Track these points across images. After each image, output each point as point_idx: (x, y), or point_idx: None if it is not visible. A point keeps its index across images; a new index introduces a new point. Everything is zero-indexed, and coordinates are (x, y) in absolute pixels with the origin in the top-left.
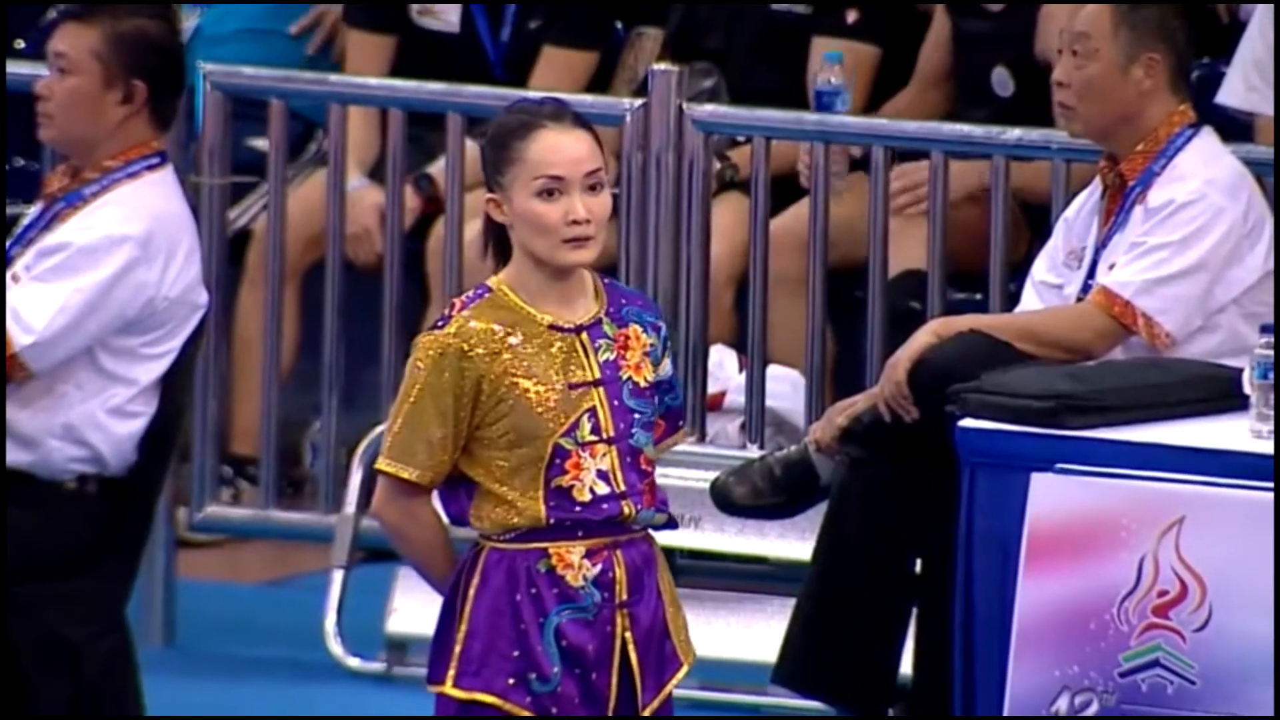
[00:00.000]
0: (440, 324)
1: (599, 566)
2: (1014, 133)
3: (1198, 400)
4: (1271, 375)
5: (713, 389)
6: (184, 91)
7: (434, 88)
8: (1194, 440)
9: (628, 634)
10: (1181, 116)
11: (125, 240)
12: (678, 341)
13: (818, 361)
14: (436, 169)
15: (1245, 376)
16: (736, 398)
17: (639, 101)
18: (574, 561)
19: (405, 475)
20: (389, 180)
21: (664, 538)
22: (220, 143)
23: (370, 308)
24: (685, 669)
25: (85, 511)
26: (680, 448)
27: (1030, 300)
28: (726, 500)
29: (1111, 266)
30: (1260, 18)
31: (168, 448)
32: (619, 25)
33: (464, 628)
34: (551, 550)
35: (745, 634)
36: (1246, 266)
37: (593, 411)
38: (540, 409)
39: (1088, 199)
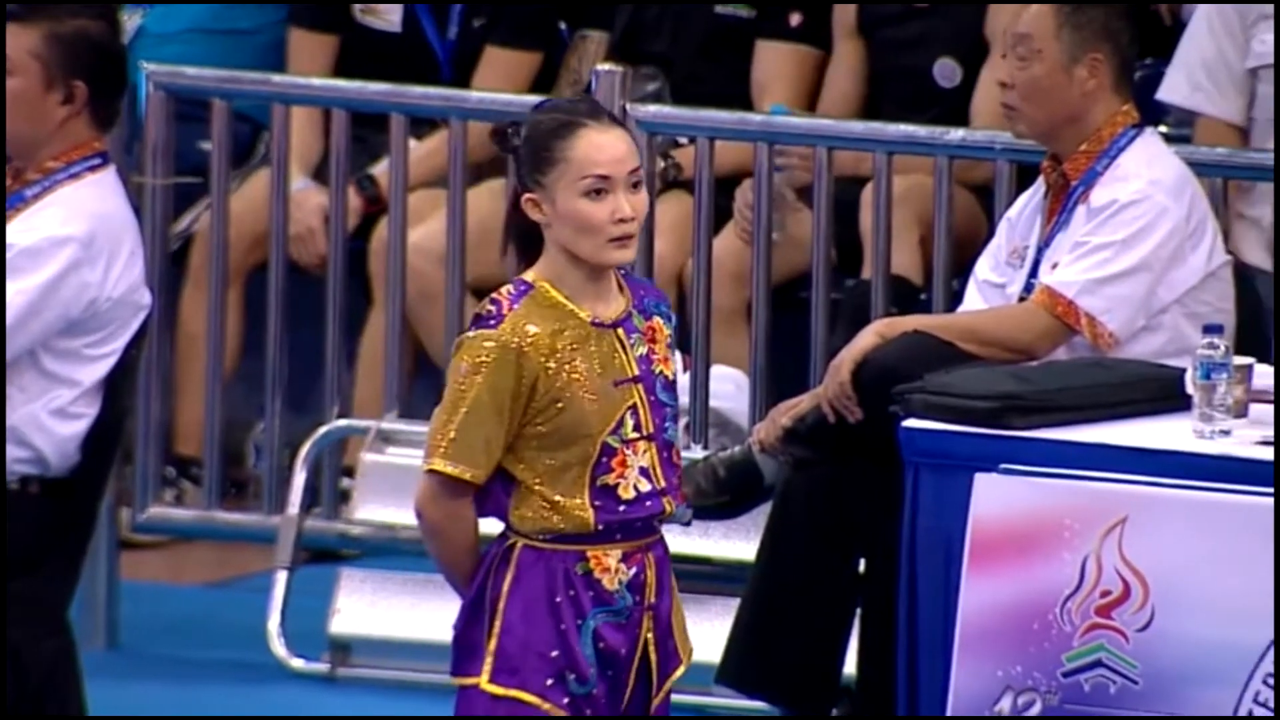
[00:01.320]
0: (492, 322)
1: (634, 570)
2: (957, 133)
3: (1141, 400)
4: (1214, 376)
5: None
6: (126, 91)
7: (377, 88)
8: (1137, 440)
9: (650, 634)
10: (1125, 117)
11: (67, 241)
12: None
13: (762, 362)
14: (379, 169)
15: (1188, 377)
16: (680, 398)
17: None
18: (610, 565)
19: (466, 476)
20: (332, 181)
21: None
22: (163, 143)
23: (314, 308)
24: (684, 666)
25: (28, 513)
26: None
27: (973, 300)
28: None
29: (1054, 266)
30: (1203, 18)
31: (111, 449)
32: (563, 27)
33: (499, 624)
34: (589, 553)
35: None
36: (1189, 267)
37: (634, 408)
38: (590, 408)
39: (1031, 198)
